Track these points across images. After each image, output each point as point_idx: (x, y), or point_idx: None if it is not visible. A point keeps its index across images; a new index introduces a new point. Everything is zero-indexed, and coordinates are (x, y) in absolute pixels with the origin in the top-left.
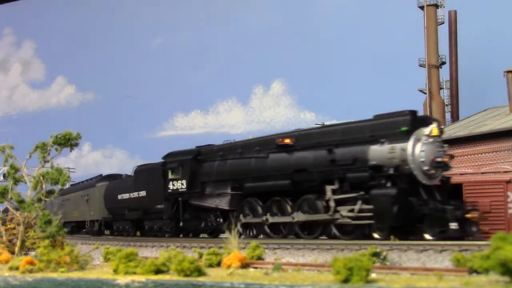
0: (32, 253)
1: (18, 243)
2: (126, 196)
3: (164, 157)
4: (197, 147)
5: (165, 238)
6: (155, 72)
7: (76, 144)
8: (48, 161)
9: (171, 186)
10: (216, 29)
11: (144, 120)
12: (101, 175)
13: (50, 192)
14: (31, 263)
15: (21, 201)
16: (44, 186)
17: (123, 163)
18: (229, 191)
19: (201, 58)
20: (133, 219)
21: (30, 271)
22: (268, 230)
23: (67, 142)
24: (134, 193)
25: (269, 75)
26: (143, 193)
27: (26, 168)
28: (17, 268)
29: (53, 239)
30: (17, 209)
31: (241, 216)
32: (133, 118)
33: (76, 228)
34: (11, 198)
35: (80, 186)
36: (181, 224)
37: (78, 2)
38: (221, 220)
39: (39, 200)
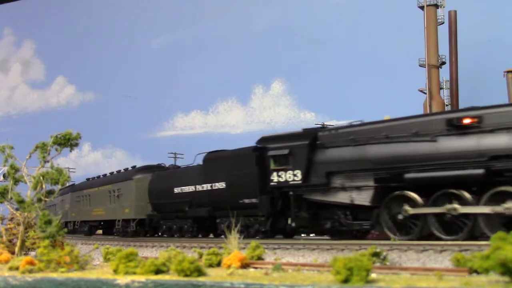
0: (32, 253)
1: (18, 243)
2: (188, 189)
3: (260, 142)
4: (305, 129)
5: (165, 238)
6: (155, 72)
7: (76, 144)
8: (48, 161)
9: (275, 178)
10: (216, 29)
11: (144, 120)
12: (135, 166)
13: (50, 192)
14: (31, 263)
15: (21, 201)
16: (44, 186)
17: (123, 163)
18: (371, 183)
19: (201, 58)
20: (199, 216)
21: (30, 271)
22: (437, 226)
23: (67, 142)
24: (203, 185)
25: (269, 75)
26: (220, 185)
27: (26, 168)
28: (17, 268)
29: (53, 239)
30: (17, 209)
31: (405, 207)
32: (133, 118)
33: (100, 228)
34: (11, 198)
35: (106, 179)
36: (291, 223)
37: (78, 2)
38: (353, 218)
39: (39, 200)
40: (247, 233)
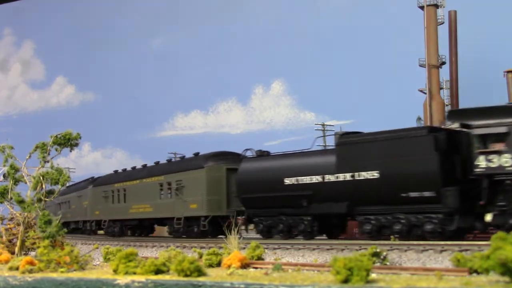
0: (32, 253)
1: (18, 243)
2: (309, 179)
3: (453, 116)
4: None
5: (165, 238)
6: (155, 72)
7: (76, 144)
8: (48, 161)
9: (482, 163)
10: (216, 29)
11: (144, 120)
12: (198, 153)
13: (50, 192)
14: (31, 263)
15: (21, 201)
16: (44, 186)
17: (123, 163)
18: None
19: (201, 58)
20: (329, 213)
21: (30, 271)
22: None
23: (67, 142)
24: (338, 174)
25: (269, 75)
26: (369, 175)
27: (26, 168)
28: (17, 268)
29: (53, 239)
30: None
31: None
32: (133, 118)
33: (136, 228)
34: (11, 198)
35: (153, 170)
36: (492, 220)
37: (78, 2)
38: None
39: (39, 200)
40: (415, 232)
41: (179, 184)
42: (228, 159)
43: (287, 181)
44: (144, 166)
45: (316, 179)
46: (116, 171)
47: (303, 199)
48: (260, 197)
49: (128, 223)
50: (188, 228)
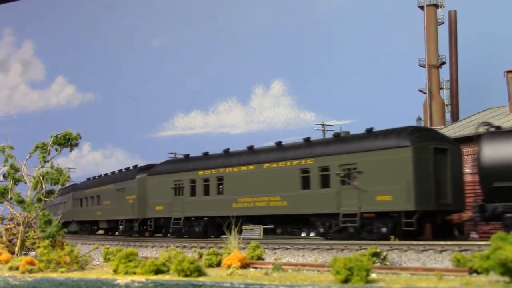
0: (32, 253)
1: (18, 243)
2: None
3: None
4: None
5: (165, 238)
6: (155, 72)
7: (76, 144)
8: (48, 161)
9: None
10: (216, 29)
11: (144, 120)
12: (372, 129)
13: (50, 192)
14: (31, 263)
15: (21, 201)
16: (44, 186)
17: (123, 163)
18: None
19: (201, 58)
20: None
21: (30, 271)
22: None
23: (67, 142)
24: None
25: (269, 75)
26: None
27: (26, 168)
28: (17, 268)
29: (53, 239)
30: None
31: None
32: (133, 118)
33: (208, 226)
34: (11, 198)
35: (296, 152)
36: None
37: (78, 3)
38: None
39: (39, 200)
40: None
41: (351, 169)
42: (434, 137)
43: None
44: (250, 148)
45: None
46: (187, 156)
47: None
48: None
49: (196, 225)
50: (365, 229)
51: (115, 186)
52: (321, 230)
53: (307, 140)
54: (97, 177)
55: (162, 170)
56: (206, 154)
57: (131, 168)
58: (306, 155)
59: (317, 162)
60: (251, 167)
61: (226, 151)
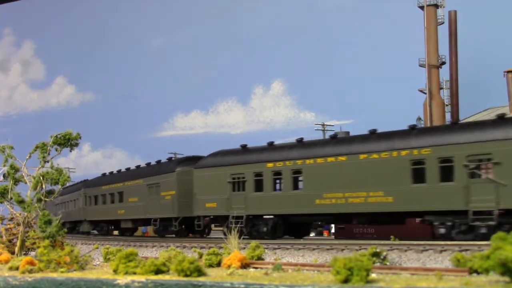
0: (32, 253)
1: (18, 243)
2: None
3: None
4: None
5: (165, 238)
6: (155, 72)
7: (76, 144)
8: (48, 161)
9: None
10: (216, 29)
11: (144, 120)
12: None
13: (50, 192)
14: (31, 263)
15: (21, 201)
16: (44, 186)
17: (123, 163)
18: None
19: (201, 58)
20: None
21: (30, 271)
22: None
23: (67, 142)
24: None
25: (269, 75)
26: None
27: (26, 168)
28: (17, 268)
29: (53, 239)
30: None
31: None
32: (133, 118)
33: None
34: (11, 198)
35: (402, 142)
36: None
37: (78, 3)
38: None
39: (39, 200)
40: None
41: (483, 160)
42: None
43: None
44: (333, 137)
45: None
46: (244, 147)
47: None
48: None
49: (314, 219)
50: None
51: (145, 181)
52: (441, 230)
53: (413, 127)
54: (116, 172)
55: (215, 162)
56: (271, 144)
57: (165, 161)
58: (420, 144)
59: (435, 152)
60: (342, 158)
61: (300, 141)
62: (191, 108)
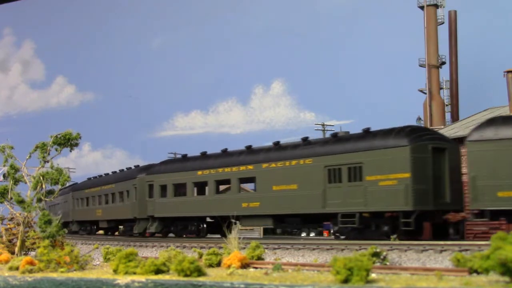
0: (32, 253)
1: (18, 243)
2: None
3: None
4: None
5: (165, 238)
6: (155, 72)
7: (76, 144)
8: (48, 161)
9: None
10: (216, 29)
11: (144, 120)
12: None
13: (50, 192)
14: (31, 263)
15: (21, 201)
16: (44, 186)
17: (123, 163)
18: None
19: (201, 58)
20: None
21: (30, 271)
22: None
23: (67, 142)
24: None
25: (269, 75)
26: None
27: (26, 168)
28: (17, 268)
29: (53, 239)
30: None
31: None
32: (133, 118)
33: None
34: (11, 198)
35: None
36: None
37: (78, 3)
38: None
39: (39, 200)
40: None
41: None
42: None
43: None
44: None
45: None
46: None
47: None
48: None
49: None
50: None
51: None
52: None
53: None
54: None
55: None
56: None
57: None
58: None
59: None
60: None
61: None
62: (191, 108)
